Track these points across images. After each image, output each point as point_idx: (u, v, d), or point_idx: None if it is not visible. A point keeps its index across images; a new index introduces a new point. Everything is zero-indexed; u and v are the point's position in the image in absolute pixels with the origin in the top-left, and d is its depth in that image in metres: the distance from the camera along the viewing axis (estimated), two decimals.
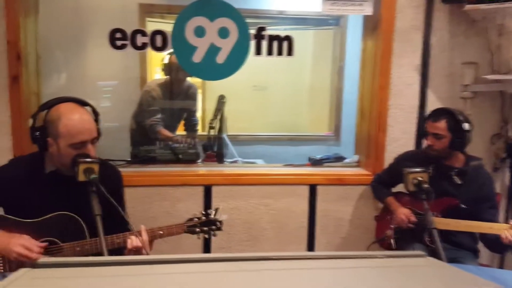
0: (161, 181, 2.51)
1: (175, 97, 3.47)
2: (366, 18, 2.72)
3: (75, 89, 3.37)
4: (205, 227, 1.79)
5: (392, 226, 2.27)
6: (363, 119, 2.75)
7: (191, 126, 3.57)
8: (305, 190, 2.60)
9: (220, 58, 2.47)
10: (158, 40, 2.40)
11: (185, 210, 2.53)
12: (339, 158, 2.84)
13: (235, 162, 3.29)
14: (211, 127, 3.26)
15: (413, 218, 2.15)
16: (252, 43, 2.47)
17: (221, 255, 1.06)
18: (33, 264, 0.95)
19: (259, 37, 2.47)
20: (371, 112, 2.65)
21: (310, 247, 2.63)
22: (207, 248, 2.55)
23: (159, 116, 3.29)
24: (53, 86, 3.59)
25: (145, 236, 1.67)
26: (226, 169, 2.72)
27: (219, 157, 3.00)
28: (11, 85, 2.27)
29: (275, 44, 2.49)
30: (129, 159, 2.81)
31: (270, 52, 2.49)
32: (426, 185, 1.71)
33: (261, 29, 2.47)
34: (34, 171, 1.68)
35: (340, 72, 4.48)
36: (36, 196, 1.65)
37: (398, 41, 2.58)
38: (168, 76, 3.39)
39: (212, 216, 1.80)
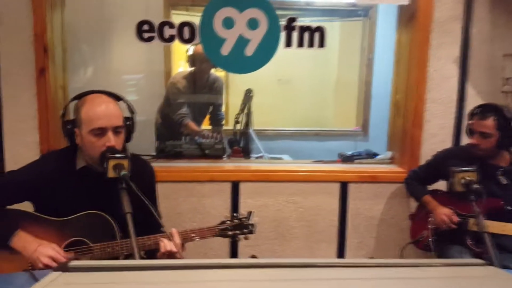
0: (188, 176, 2.45)
1: (200, 90, 3.41)
2: (402, 9, 2.59)
3: (100, 83, 3.33)
4: (237, 230, 1.72)
5: (430, 226, 2.15)
6: (397, 114, 2.63)
7: (216, 121, 3.50)
8: (336, 188, 2.50)
9: (249, 51, 2.39)
10: (186, 32, 2.33)
11: (212, 206, 2.47)
12: (371, 155, 2.72)
13: (260, 157, 3.21)
14: (236, 122, 3.19)
15: (455, 219, 2.03)
16: (282, 35, 2.38)
17: (257, 261, 0.98)
18: (64, 267, 0.89)
19: (289, 28, 2.37)
20: (407, 107, 2.52)
21: (341, 246, 2.54)
22: (234, 246, 2.48)
23: (186, 109, 3.23)
24: (78, 79, 3.58)
25: (178, 240, 1.61)
26: (254, 165, 2.65)
27: (246, 153, 2.93)
28: (38, 78, 2.24)
29: (306, 36, 2.39)
30: (154, 154, 2.76)
31: (300, 44, 2.40)
32: (476, 186, 1.60)
33: (291, 20, 2.37)
34: (65, 166, 1.63)
35: (369, 65, 4.34)
36: (66, 192, 1.61)
37: (436, 32, 2.45)
38: (192, 68, 3.32)
39: (244, 219, 1.72)
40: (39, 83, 2.24)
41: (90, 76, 3.78)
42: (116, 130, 1.56)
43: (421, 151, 2.48)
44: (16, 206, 1.65)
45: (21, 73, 2.24)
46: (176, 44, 2.37)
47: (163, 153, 2.75)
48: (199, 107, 3.46)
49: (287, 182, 2.48)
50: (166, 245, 1.59)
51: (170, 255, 1.59)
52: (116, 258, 1.61)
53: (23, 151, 2.29)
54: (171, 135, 3.00)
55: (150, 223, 1.60)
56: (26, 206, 1.66)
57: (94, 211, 1.61)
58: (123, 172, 1.41)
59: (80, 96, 1.63)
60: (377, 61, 4.30)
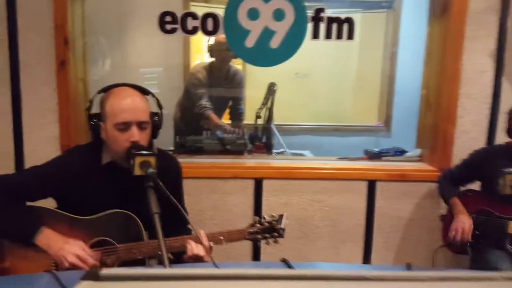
0: (211, 173, 2.38)
1: (220, 82, 3.33)
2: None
3: (117, 76, 3.27)
4: (267, 233, 1.64)
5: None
6: (428, 110, 2.52)
7: (236, 115, 3.43)
8: (363, 186, 2.40)
9: (274, 43, 2.30)
10: (209, 24, 2.25)
11: (234, 204, 2.39)
12: (399, 152, 2.62)
13: (281, 153, 3.13)
14: (258, 116, 3.11)
15: (468, 237, 1.93)
16: (309, 26, 2.28)
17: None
18: (95, 275, 0.82)
19: (317, 19, 2.28)
20: (438, 102, 2.41)
21: (367, 247, 2.45)
22: (256, 245, 2.41)
23: (207, 100, 3.16)
24: (96, 72, 3.53)
25: (206, 242, 1.54)
26: (277, 161, 2.56)
27: (268, 148, 2.84)
28: (58, 71, 2.19)
29: (334, 27, 2.29)
30: (172, 149, 2.69)
31: (328, 36, 2.30)
32: None
33: (319, 10, 2.27)
34: (90, 161, 1.57)
35: (392, 58, 4.21)
36: (91, 189, 1.55)
37: (470, 24, 2.32)
38: (213, 58, 3.25)
39: (274, 222, 1.64)
40: (60, 76, 2.19)
41: (108, 69, 3.73)
42: (141, 125, 1.50)
43: (454, 149, 2.37)
44: (37, 203, 1.60)
45: (41, 66, 2.19)
46: (195, 37, 2.29)
47: (183, 148, 2.68)
48: (219, 101, 3.38)
49: (311, 180, 2.40)
50: (193, 248, 1.53)
51: (197, 258, 1.53)
52: (142, 260, 1.55)
53: (43, 146, 2.24)
54: (191, 129, 2.93)
55: (176, 220, 1.54)
56: (47, 204, 1.61)
57: (120, 210, 1.55)
58: (150, 170, 1.34)
59: (106, 89, 1.56)
60: (401, 54, 4.17)
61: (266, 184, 2.39)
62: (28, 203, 1.57)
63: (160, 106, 1.61)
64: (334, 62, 4.54)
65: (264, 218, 1.67)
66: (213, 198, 2.39)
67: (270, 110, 2.85)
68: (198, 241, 1.56)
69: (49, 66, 2.19)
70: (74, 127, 2.24)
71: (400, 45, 4.18)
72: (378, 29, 4.34)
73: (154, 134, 1.59)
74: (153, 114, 1.57)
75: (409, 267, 1.37)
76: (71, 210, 1.56)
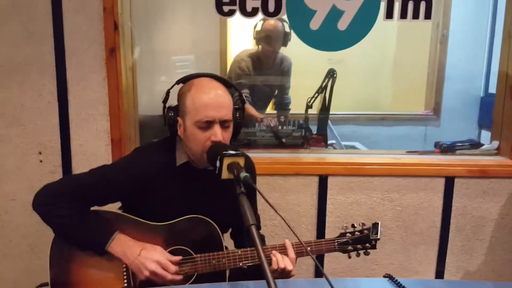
0: (271, 169, 2.16)
1: (266, 71, 3.12)
2: None
3: (148, 64, 3.06)
4: (359, 244, 1.43)
5: None
6: (509, 98, 2.26)
7: (283, 105, 3.21)
8: (440, 183, 2.17)
9: (342, 24, 2.07)
10: (271, 4, 2.03)
11: (297, 203, 2.19)
12: (474, 145, 2.37)
13: (332, 145, 2.91)
14: (309, 106, 2.88)
15: None
16: (382, 5, 2.04)
17: None
18: None
19: None
20: None
21: (442, 250, 2.22)
22: None
23: (246, 90, 2.95)
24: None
25: (292, 254, 1.35)
26: (343, 156, 2.34)
27: (324, 141, 2.62)
28: (108, 59, 1.99)
29: (410, 6, 2.05)
30: None
31: (404, 15, 2.06)
32: None
33: None
34: (164, 163, 1.38)
35: (443, 42, 3.92)
36: (163, 193, 1.37)
37: None
38: (259, 46, 3.03)
39: (366, 231, 1.44)
40: (109, 64, 1.99)
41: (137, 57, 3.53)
42: (224, 123, 1.30)
43: None
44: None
45: (89, 53, 1.99)
46: (234, 21, 2.07)
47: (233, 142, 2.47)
48: (264, 90, 3.17)
49: (382, 177, 2.17)
50: (279, 261, 1.33)
51: (284, 273, 1.33)
52: (222, 271, 1.36)
53: (92, 141, 2.06)
54: None
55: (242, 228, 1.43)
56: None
57: (197, 216, 1.36)
58: (243, 174, 1.13)
59: (185, 80, 1.37)
60: (452, 37, 3.89)
61: (331, 181, 2.18)
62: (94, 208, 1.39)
63: (242, 101, 1.40)
64: (371, 47, 4.25)
65: (354, 227, 1.47)
66: (273, 196, 2.18)
67: (329, 100, 2.61)
68: (283, 252, 1.37)
69: (97, 53, 1.99)
70: (126, 120, 2.05)
71: (451, 28, 3.90)
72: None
73: (235, 133, 1.39)
74: (235, 110, 1.37)
75: None
76: (138, 214, 1.38)
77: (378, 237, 1.42)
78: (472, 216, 2.20)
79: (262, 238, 1.62)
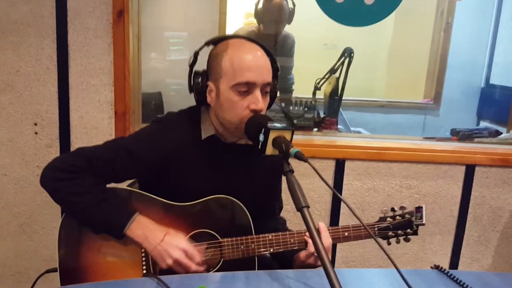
0: None
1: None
2: None
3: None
4: (399, 230, 1.32)
5: None
6: None
7: (286, 86, 3.07)
8: (460, 171, 2.08)
9: None
10: None
11: (311, 188, 2.07)
12: (492, 133, 2.29)
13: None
14: (317, 88, 2.76)
15: None
16: None
17: None
18: None
19: None
20: None
21: (457, 240, 2.15)
22: None
23: None
24: None
25: (328, 239, 1.22)
26: (360, 140, 2.22)
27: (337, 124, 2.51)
28: (115, 23, 1.80)
29: None
30: None
31: None
32: None
33: None
34: (189, 136, 1.22)
35: (447, 30, 3.84)
36: (186, 169, 1.21)
37: None
38: (260, 25, 2.87)
39: (408, 215, 1.32)
40: (116, 29, 1.80)
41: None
42: (265, 88, 1.15)
43: None
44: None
45: (94, 16, 1.80)
46: None
47: None
48: None
49: (402, 163, 2.07)
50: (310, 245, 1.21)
51: (317, 259, 1.21)
52: (252, 257, 1.23)
53: (93, 113, 1.87)
54: None
55: (266, 209, 1.35)
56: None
57: (224, 196, 1.22)
58: (294, 150, 0.99)
59: (216, 41, 1.20)
60: (456, 25, 3.81)
61: (348, 165, 2.06)
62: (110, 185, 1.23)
63: (277, 69, 1.24)
64: (368, 33, 4.15)
65: (394, 210, 1.36)
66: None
67: (343, 81, 2.48)
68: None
69: (103, 16, 1.80)
70: (132, 91, 1.87)
71: (456, 16, 3.82)
72: None
73: (270, 103, 1.25)
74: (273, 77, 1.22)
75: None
76: (158, 193, 1.23)
77: (423, 221, 1.31)
78: (490, 206, 2.13)
79: (284, 222, 1.49)
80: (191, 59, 1.20)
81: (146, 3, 2.93)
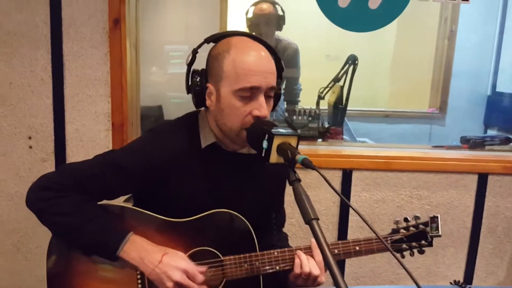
0: None
1: None
2: None
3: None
4: (414, 242, 1.24)
5: None
6: None
7: (293, 96, 3.00)
8: (472, 180, 2.00)
9: (374, 2, 1.88)
10: None
11: (317, 199, 1.98)
12: (503, 140, 2.21)
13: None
14: (320, 97, 2.68)
15: None
16: None
17: None
18: None
19: None
20: None
21: (471, 253, 2.05)
22: None
23: None
24: None
25: (319, 257, 1.13)
26: (368, 149, 2.15)
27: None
28: (111, 31, 1.74)
29: None
30: None
31: None
32: None
33: None
34: (187, 146, 1.14)
35: (451, 38, 3.79)
36: (184, 182, 1.13)
37: None
38: (253, 33, 2.83)
39: (422, 226, 1.24)
40: (113, 38, 1.75)
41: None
42: (269, 93, 1.08)
43: None
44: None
45: (89, 24, 1.75)
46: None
47: None
48: None
49: (411, 172, 1.98)
50: (303, 263, 1.12)
51: (308, 278, 1.11)
52: (256, 276, 1.14)
53: (90, 125, 1.81)
54: None
55: (266, 224, 1.25)
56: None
57: (225, 210, 1.14)
58: (301, 157, 0.92)
59: (217, 38, 1.12)
60: (460, 33, 3.76)
61: (356, 176, 1.98)
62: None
63: (281, 68, 1.16)
64: (370, 43, 4.10)
65: (408, 221, 1.27)
66: (291, 192, 1.97)
67: (348, 90, 2.41)
68: (309, 253, 1.16)
69: (99, 25, 1.75)
70: (130, 103, 1.81)
71: (459, 24, 3.77)
72: (433, 5, 3.91)
73: (273, 106, 1.17)
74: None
75: None
76: (154, 209, 1.15)
77: (440, 233, 1.22)
78: (504, 216, 2.04)
79: (285, 237, 1.41)
80: (190, 58, 1.12)
81: (144, 13, 2.89)
